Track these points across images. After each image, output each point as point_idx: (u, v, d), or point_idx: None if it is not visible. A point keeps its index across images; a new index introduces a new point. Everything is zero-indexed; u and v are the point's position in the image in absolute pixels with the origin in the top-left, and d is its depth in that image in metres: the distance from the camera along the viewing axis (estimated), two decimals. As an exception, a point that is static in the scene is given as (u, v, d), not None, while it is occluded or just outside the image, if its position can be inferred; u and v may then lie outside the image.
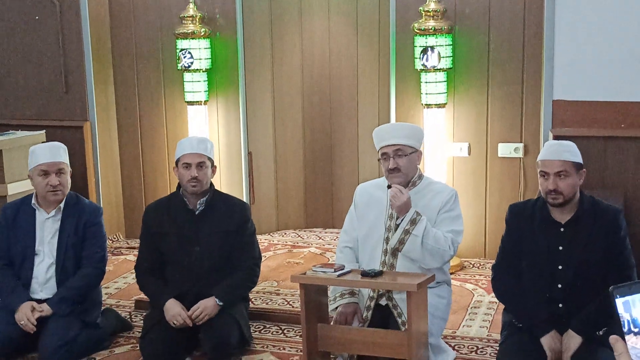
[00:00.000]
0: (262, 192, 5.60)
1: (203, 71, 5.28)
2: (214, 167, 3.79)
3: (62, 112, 5.47)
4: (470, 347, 3.64)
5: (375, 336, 3.23)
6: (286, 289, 4.39)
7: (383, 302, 3.36)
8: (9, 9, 5.47)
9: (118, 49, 5.55)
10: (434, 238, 3.22)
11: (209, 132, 5.35)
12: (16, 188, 4.74)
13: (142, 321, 3.89)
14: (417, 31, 4.64)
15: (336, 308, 3.40)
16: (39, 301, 3.65)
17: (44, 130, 5.11)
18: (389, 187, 3.29)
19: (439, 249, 3.23)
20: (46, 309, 3.59)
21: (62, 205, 3.76)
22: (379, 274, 3.21)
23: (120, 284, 4.73)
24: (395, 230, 3.29)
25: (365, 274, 3.20)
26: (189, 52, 5.20)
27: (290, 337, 3.83)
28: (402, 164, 3.33)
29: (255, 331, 3.87)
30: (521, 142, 4.80)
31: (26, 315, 3.54)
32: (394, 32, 4.91)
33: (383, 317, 3.36)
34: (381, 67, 5.31)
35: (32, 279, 3.72)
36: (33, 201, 3.76)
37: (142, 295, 4.09)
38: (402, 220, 3.24)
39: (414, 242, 3.21)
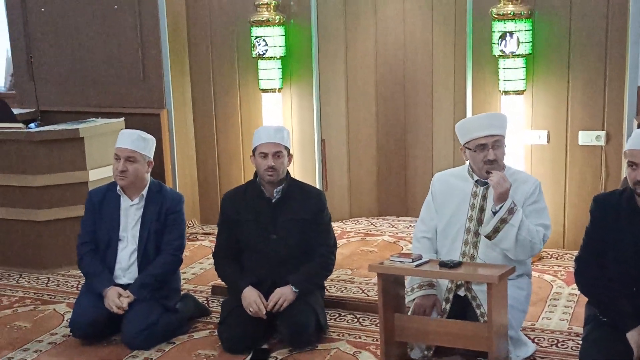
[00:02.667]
0: (335, 179, 5.59)
1: (277, 58, 5.29)
2: (290, 156, 3.80)
3: (139, 99, 5.58)
4: (550, 340, 3.56)
5: (454, 327, 3.19)
6: (361, 277, 4.39)
7: (461, 292, 3.32)
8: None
9: (194, 37, 5.62)
10: (527, 230, 3.18)
11: (282, 119, 5.37)
12: (97, 174, 4.86)
13: (219, 307, 3.95)
14: (496, 16, 4.54)
15: (413, 299, 3.38)
16: (122, 286, 3.75)
17: (123, 118, 5.21)
18: (488, 172, 3.23)
19: (531, 241, 3.19)
20: (130, 295, 3.69)
21: (145, 192, 3.85)
22: (457, 264, 3.17)
23: (196, 269, 4.81)
24: (479, 221, 3.24)
25: (443, 265, 3.17)
26: (264, 40, 5.22)
27: (365, 325, 3.82)
28: (500, 155, 3.28)
29: (331, 319, 3.88)
30: (603, 129, 4.65)
31: (114, 303, 3.64)
32: (471, 17, 4.82)
33: (461, 307, 3.32)
34: (457, 53, 5.22)
35: (116, 264, 3.82)
36: (118, 188, 3.85)
37: (219, 281, 4.16)
38: (500, 208, 3.18)
39: (509, 231, 3.16)
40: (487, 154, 3.27)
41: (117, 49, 5.59)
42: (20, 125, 5.04)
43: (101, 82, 5.67)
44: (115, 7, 5.52)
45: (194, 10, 5.58)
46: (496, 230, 3.19)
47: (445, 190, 3.45)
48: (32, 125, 5.12)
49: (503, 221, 3.17)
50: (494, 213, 3.19)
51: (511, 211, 3.17)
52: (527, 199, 3.29)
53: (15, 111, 5.57)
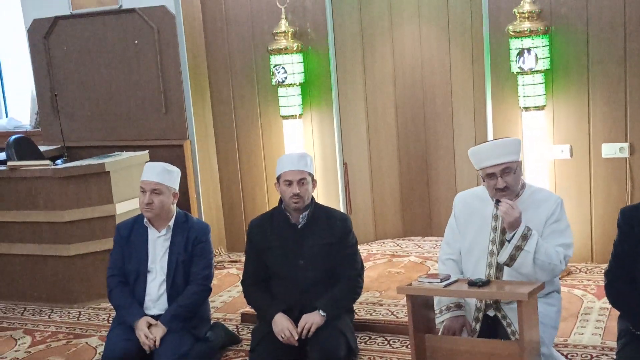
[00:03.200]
0: (358, 202, 5.61)
1: (297, 85, 5.35)
2: (314, 182, 3.83)
3: (162, 131, 5.65)
4: (584, 355, 3.53)
5: (486, 347, 3.17)
6: (389, 299, 4.39)
7: (491, 313, 3.31)
8: (109, 35, 5.70)
9: (214, 68, 5.70)
10: (545, 253, 3.14)
11: (304, 145, 5.41)
12: (124, 207, 4.92)
13: (249, 334, 3.97)
14: (512, 33, 4.56)
15: (442, 322, 3.37)
16: (152, 317, 3.78)
17: (148, 150, 5.28)
18: (497, 202, 3.22)
19: (550, 263, 3.15)
20: (161, 327, 3.71)
21: (171, 223, 3.88)
22: (486, 283, 3.16)
23: (225, 297, 4.84)
24: (501, 244, 3.23)
25: (472, 284, 3.16)
26: (283, 67, 5.28)
27: (396, 347, 3.81)
28: (511, 182, 3.26)
29: (361, 342, 3.88)
30: (626, 141, 4.63)
31: (144, 333, 3.67)
32: (488, 35, 4.84)
33: (491, 327, 3.30)
34: (475, 72, 5.24)
35: (145, 296, 3.85)
36: (145, 220, 3.90)
37: (248, 309, 4.18)
38: (513, 235, 3.16)
39: (526, 257, 3.14)
40: (496, 183, 3.26)
41: (139, 83, 5.68)
42: (47, 162, 5.12)
43: (124, 116, 5.76)
44: (136, 42, 5.62)
45: (213, 41, 5.66)
46: (512, 258, 3.16)
47: (467, 212, 3.44)
48: (58, 161, 5.21)
49: (518, 248, 3.14)
50: (508, 241, 3.18)
51: (525, 237, 3.14)
52: (548, 219, 3.27)
53: (42, 148, 5.68)
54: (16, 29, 6.40)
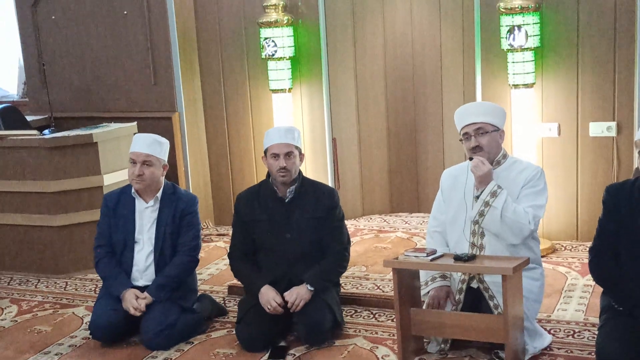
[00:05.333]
0: (347, 177, 5.62)
1: (287, 59, 5.33)
2: (301, 155, 3.83)
3: (151, 103, 5.63)
4: (566, 330, 3.57)
5: (470, 320, 3.21)
6: (375, 274, 4.41)
7: (474, 284, 3.34)
8: (99, 6, 5.65)
9: (203, 40, 5.66)
10: (513, 212, 3.20)
11: (293, 119, 5.40)
12: (112, 179, 4.91)
13: (236, 306, 3.99)
14: (503, 10, 4.55)
15: (428, 292, 3.41)
16: (139, 288, 3.79)
17: (136, 122, 5.26)
18: (471, 159, 3.28)
19: (518, 222, 3.20)
20: (147, 297, 3.73)
21: (159, 194, 3.89)
22: (472, 257, 3.20)
23: (212, 270, 4.85)
24: (475, 200, 3.29)
25: (458, 258, 3.19)
26: (273, 41, 5.26)
27: (382, 321, 3.85)
28: (484, 142, 3.32)
29: (347, 316, 3.91)
30: (614, 120, 4.65)
31: (132, 305, 3.68)
32: (479, 12, 4.83)
33: (475, 299, 3.34)
34: (465, 49, 5.23)
35: (133, 266, 3.86)
36: (132, 190, 3.89)
37: (235, 281, 4.19)
38: (482, 192, 3.22)
39: (493, 214, 3.20)
40: (470, 143, 3.31)
41: (128, 54, 5.64)
42: (34, 132, 5.10)
43: (113, 87, 5.72)
44: (125, 12, 5.57)
45: (202, 14, 5.62)
46: (481, 214, 3.23)
47: (451, 185, 3.50)
48: (46, 131, 5.17)
49: (486, 204, 3.22)
50: (477, 197, 3.23)
51: (494, 194, 3.22)
52: (526, 184, 3.32)
53: (29, 118, 5.64)
54: (3, -3, 6.34)
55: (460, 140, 3.40)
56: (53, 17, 5.78)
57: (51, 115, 5.41)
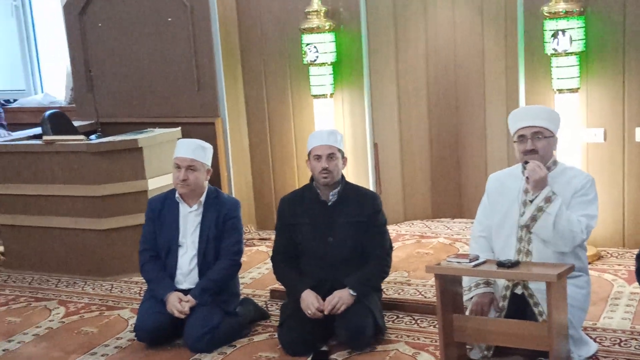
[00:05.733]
0: (388, 182, 5.62)
1: (328, 65, 5.35)
2: (344, 159, 3.85)
3: (195, 109, 5.69)
4: (612, 339, 3.52)
5: (513, 327, 3.18)
6: (417, 280, 4.40)
7: (519, 290, 3.31)
8: (143, 12, 5.74)
9: (246, 46, 5.72)
10: (567, 220, 3.16)
11: (334, 124, 5.42)
12: (156, 183, 4.98)
13: (278, 310, 4.02)
14: (547, 15, 4.51)
15: (471, 298, 3.39)
16: (183, 291, 3.84)
17: (180, 127, 5.33)
18: (526, 162, 3.24)
19: (572, 231, 3.16)
20: (191, 300, 3.78)
21: (203, 199, 3.94)
22: (515, 264, 3.17)
23: (254, 274, 4.89)
24: (525, 205, 3.25)
25: (501, 265, 3.16)
26: (315, 47, 5.28)
27: (423, 327, 3.83)
28: (540, 147, 3.29)
29: (389, 321, 3.90)
30: (661, 125, 4.57)
31: (175, 308, 3.74)
32: (522, 16, 4.80)
33: (519, 305, 3.31)
34: (508, 53, 5.19)
35: (177, 270, 3.92)
36: (176, 195, 3.95)
37: (277, 285, 4.23)
38: (536, 196, 3.19)
39: (546, 220, 3.16)
40: (526, 145, 3.28)
41: (172, 61, 5.71)
42: (81, 137, 5.20)
43: (157, 92, 5.81)
44: (169, 19, 5.65)
45: (245, 20, 5.68)
46: (533, 219, 3.19)
47: (499, 189, 3.46)
48: (92, 136, 5.28)
49: (540, 209, 3.17)
50: (531, 202, 3.20)
51: (548, 200, 3.17)
52: (577, 192, 3.28)
53: (76, 123, 5.75)
54: (52, 5, 6.47)
55: (515, 141, 3.37)
56: (100, 25, 5.89)
57: (97, 120, 5.51)
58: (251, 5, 5.65)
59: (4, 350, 3.94)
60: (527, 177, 3.24)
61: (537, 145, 3.28)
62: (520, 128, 3.32)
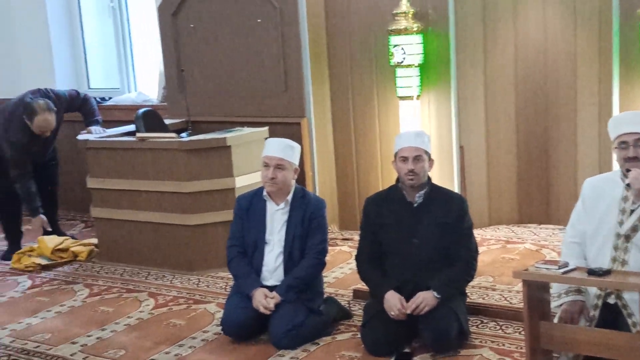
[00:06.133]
0: (473, 186, 5.56)
1: (415, 66, 5.33)
2: (431, 161, 3.85)
3: (281, 109, 5.77)
4: None
5: (604, 337, 3.10)
6: (503, 285, 4.34)
7: (611, 300, 3.22)
8: (233, 14, 5.86)
9: (333, 47, 5.76)
10: None
11: (420, 126, 5.39)
12: (243, 181, 5.08)
13: (360, 310, 4.04)
14: (645, 16, 4.37)
15: (560, 305, 3.32)
16: (269, 288, 3.92)
17: (267, 127, 5.43)
18: (628, 170, 3.15)
19: None
20: (276, 297, 3.85)
21: (289, 197, 4.00)
22: (606, 272, 3.08)
23: (337, 273, 4.93)
24: (622, 212, 3.16)
25: (592, 273, 3.09)
26: (402, 48, 5.28)
27: (509, 333, 3.78)
28: None
29: (473, 326, 3.87)
30: None
31: (261, 304, 3.82)
32: (617, 19, 4.67)
33: (611, 315, 3.22)
34: (602, 57, 5.04)
35: (263, 266, 4.00)
36: (264, 193, 4.03)
37: (360, 286, 4.25)
38: (638, 206, 3.09)
39: None
40: (627, 152, 3.18)
41: (260, 61, 5.81)
42: (172, 134, 5.36)
43: (245, 92, 5.92)
44: (259, 20, 5.75)
45: (333, 21, 5.72)
46: (634, 229, 3.09)
47: (595, 195, 3.36)
48: (183, 134, 5.43)
49: None
50: (633, 211, 3.10)
51: None
52: None
53: (167, 121, 5.93)
54: (147, 7, 6.68)
55: (615, 148, 3.29)
56: (192, 26, 6.05)
57: (188, 119, 5.67)
58: (339, 7, 5.69)
59: (97, 338, 4.11)
60: (627, 185, 3.14)
61: (639, 152, 3.19)
62: (622, 134, 3.22)
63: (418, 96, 5.41)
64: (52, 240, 5.63)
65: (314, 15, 5.68)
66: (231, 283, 4.29)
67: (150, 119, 5.71)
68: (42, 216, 5.62)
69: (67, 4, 7.21)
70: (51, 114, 5.47)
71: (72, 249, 5.64)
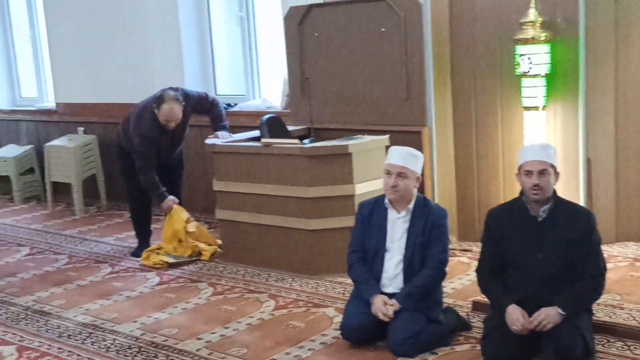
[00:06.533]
0: (600, 201, 5.36)
1: (542, 76, 5.21)
2: (557, 174, 3.76)
3: (402, 117, 5.79)
4: None
5: None
6: (631, 304, 4.18)
7: None
8: (358, 23, 5.93)
9: (457, 56, 5.72)
10: None
11: (545, 138, 5.27)
12: (363, 188, 5.13)
13: (480, 322, 4.00)
14: None
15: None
16: (388, 295, 3.94)
17: (388, 135, 5.46)
18: None
19: None
20: (395, 304, 3.87)
21: (411, 206, 4.02)
22: None
23: (456, 284, 4.88)
24: None
25: None
26: (528, 58, 5.17)
27: (637, 354, 3.64)
28: None
29: (599, 344, 3.74)
30: None
31: (380, 310, 3.85)
32: None
33: None
34: None
35: (382, 273, 4.03)
36: (385, 201, 4.06)
37: (480, 298, 4.20)
38: None
39: None
40: None
41: (383, 70, 5.85)
42: (295, 141, 5.48)
43: (367, 100, 5.97)
44: (383, 29, 5.80)
45: (458, 30, 5.68)
46: None
47: None
48: (306, 141, 5.55)
49: None
50: None
51: None
52: None
53: (289, 128, 6.07)
54: (274, 16, 6.87)
55: None
56: (316, 34, 6.17)
57: (311, 125, 5.78)
58: (464, 15, 5.64)
59: (221, 336, 4.26)
60: None
61: None
62: None
63: (544, 107, 5.28)
64: (184, 213, 5.86)
65: (439, 23, 5.66)
66: (349, 289, 4.34)
67: (274, 125, 5.87)
68: (170, 197, 5.83)
69: (197, 14, 7.52)
70: (178, 104, 5.64)
71: (199, 244, 5.86)
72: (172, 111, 5.62)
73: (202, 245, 5.86)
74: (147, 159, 5.74)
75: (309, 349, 3.99)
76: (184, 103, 5.71)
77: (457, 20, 5.68)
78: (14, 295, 5.20)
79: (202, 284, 5.24)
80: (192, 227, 5.88)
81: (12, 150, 8.66)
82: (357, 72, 6.01)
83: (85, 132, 8.12)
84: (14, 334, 4.49)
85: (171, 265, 5.69)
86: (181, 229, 5.81)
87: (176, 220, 5.83)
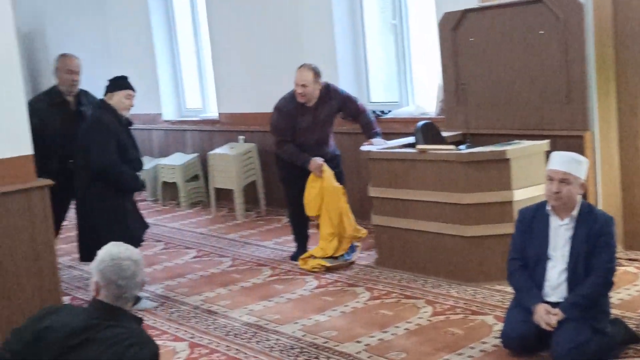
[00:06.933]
0: None
1: None
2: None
3: (562, 121, 5.62)
4: None
5: None
6: None
7: None
8: (515, 26, 5.82)
9: (622, 58, 5.47)
10: None
11: None
12: (522, 195, 5.03)
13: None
14: None
15: None
16: (551, 304, 3.85)
17: (548, 140, 5.31)
18: None
19: None
20: (559, 313, 3.77)
21: (575, 213, 3.90)
22: None
23: (622, 295, 4.68)
24: None
25: None
26: (702, 56, 4.87)
27: None
28: None
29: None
30: None
31: (543, 319, 3.77)
32: None
33: None
34: None
35: (545, 282, 3.94)
36: (547, 207, 3.97)
37: (650, 309, 4.01)
38: None
39: None
40: None
41: (542, 73, 5.71)
42: (451, 147, 5.46)
43: (525, 104, 5.84)
44: (541, 32, 5.66)
45: (622, 31, 5.44)
46: None
47: None
48: (461, 146, 5.51)
49: None
50: None
51: None
52: None
53: (443, 134, 6.05)
54: (428, 22, 6.88)
55: None
56: (471, 39, 6.12)
57: (467, 131, 5.73)
58: (631, 14, 5.40)
59: (379, 340, 4.33)
60: None
61: None
62: None
63: None
64: (333, 175, 5.95)
65: (601, 25, 5.45)
66: (508, 297, 4.27)
67: (429, 131, 5.87)
68: (315, 158, 5.92)
69: (352, 23, 7.67)
70: (307, 69, 5.85)
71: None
72: (301, 74, 5.88)
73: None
74: (282, 133, 5.97)
75: (469, 356, 3.97)
76: (320, 77, 5.89)
77: (622, 19, 5.45)
78: (184, 295, 5.54)
79: (360, 288, 5.34)
80: (364, 232, 6.06)
81: (178, 158, 9.23)
82: (514, 76, 5.90)
83: (245, 141, 8.49)
84: (185, 331, 4.79)
85: (328, 269, 5.83)
86: (345, 209, 5.94)
87: (327, 180, 5.87)
